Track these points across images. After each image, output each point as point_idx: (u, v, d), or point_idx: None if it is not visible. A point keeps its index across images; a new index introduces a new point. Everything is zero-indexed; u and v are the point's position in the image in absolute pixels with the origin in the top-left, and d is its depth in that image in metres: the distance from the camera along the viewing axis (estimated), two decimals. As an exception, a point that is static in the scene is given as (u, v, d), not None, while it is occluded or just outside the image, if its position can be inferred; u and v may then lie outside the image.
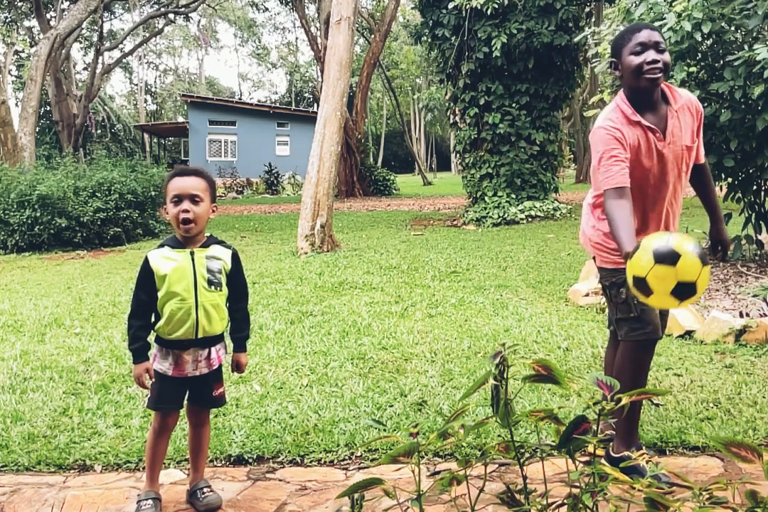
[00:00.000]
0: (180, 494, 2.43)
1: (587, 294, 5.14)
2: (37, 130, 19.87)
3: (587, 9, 12.77)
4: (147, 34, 33.78)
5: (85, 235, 10.18)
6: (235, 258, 2.37)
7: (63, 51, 24.18)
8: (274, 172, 26.12)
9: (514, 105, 11.48)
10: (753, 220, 5.77)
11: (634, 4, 5.43)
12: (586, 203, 2.71)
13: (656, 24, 4.80)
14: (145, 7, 31.91)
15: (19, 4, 26.76)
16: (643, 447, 2.56)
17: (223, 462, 2.71)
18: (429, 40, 12.24)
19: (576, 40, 7.93)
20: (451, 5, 10.74)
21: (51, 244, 10.09)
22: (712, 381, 3.36)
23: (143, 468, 2.54)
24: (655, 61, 2.33)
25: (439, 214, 13.96)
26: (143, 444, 2.67)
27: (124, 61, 40.65)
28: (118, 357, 4.01)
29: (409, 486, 2.31)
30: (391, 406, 3.15)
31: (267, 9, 42.94)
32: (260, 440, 2.82)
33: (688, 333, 4.15)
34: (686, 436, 2.73)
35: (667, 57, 2.37)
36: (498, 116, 11.40)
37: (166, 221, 10.96)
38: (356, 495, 1.47)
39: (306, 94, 52.69)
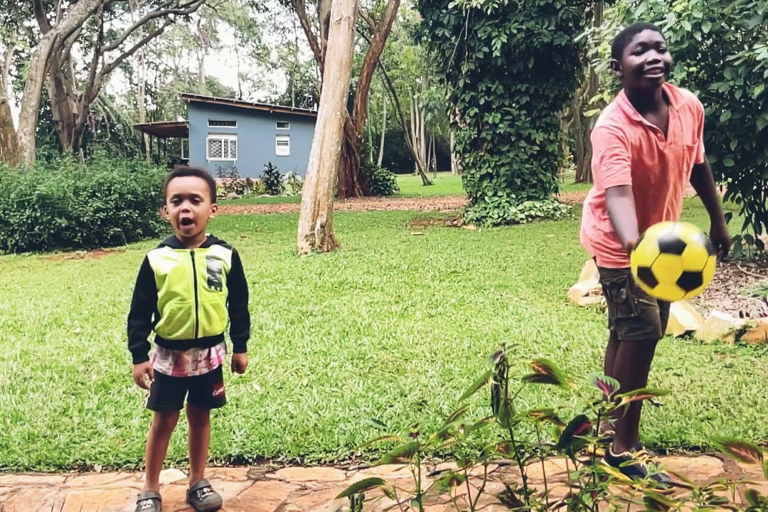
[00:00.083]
0: (180, 494, 2.43)
1: (587, 294, 5.14)
2: (37, 130, 19.87)
3: (587, 9, 12.77)
4: (147, 34, 33.78)
5: (85, 234, 10.18)
6: (235, 258, 2.37)
7: (63, 51, 24.18)
8: (274, 172, 26.12)
9: (514, 105, 11.48)
10: (753, 220, 5.77)
11: (634, 4, 5.43)
12: (587, 203, 2.71)
13: (656, 24, 4.80)
14: (145, 7, 31.91)
15: (19, 4, 26.76)
16: (643, 447, 2.56)
17: (223, 462, 2.71)
18: (429, 40, 12.24)
19: (576, 40, 7.93)
20: (451, 5, 10.74)
21: (51, 244, 10.09)
22: (712, 381, 3.36)
23: (143, 468, 2.54)
24: (656, 61, 2.32)
25: (439, 214, 13.96)
26: (143, 444, 2.67)
27: (124, 60, 40.66)
28: (118, 357, 4.01)
29: (409, 486, 2.31)
30: (391, 406, 3.15)
31: (267, 9, 42.97)
32: (260, 440, 2.82)
33: (688, 333, 4.15)
34: (686, 436, 2.73)
35: (668, 57, 2.37)
36: (498, 116, 11.40)
37: (166, 221, 10.96)
38: (356, 495, 1.47)
39: (306, 94, 52.69)
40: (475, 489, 1.60)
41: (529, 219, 11.33)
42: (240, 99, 49.59)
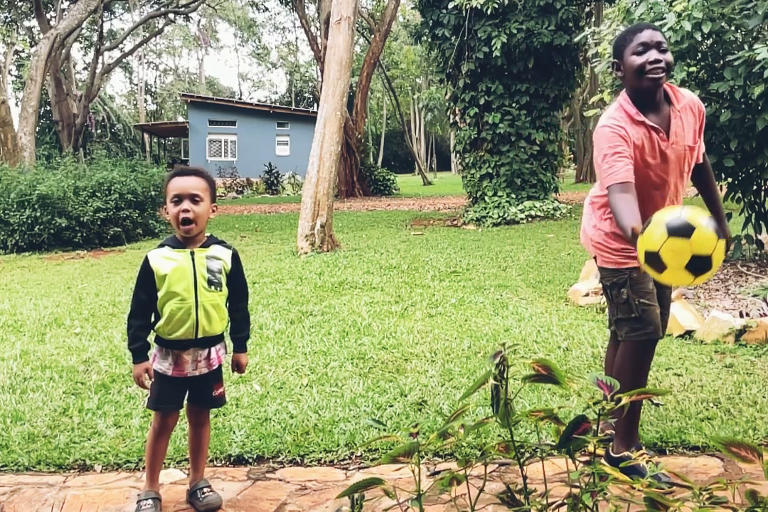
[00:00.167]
0: (180, 494, 2.43)
1: (587, 294, 5.14)
2: (37, 130, 19.87)
3: (587, 9, 12.77)
4: (147, 34, 33.78)
5: (85, 234, 10.18)
6: (235, 258, 2.37)
7: (63, 51, 24.18)
8: (274, 171, 26.12)
9: (514, 105, 11.48)
10: (753, 220, 5.77)
11: (634, 4, 5.43)
12: (588, 203, 2.71)
13: (656, 24, 4.80)
14: (145, 7, 31.91)
15: (19, 4, 26.76)
16: (643, 447, 2.56)
17: (223, 462, 2.71)
18: (429, 40, 12.24)
19: (576, 40, 7.93)
20: (451, 5, 10.74)
21: (51, 244, 10.09)
22: (712, 381, 3.36)
23: (143, 468, 2.54)
24: (658, 61, 2.32)
25: (439, 214, 13.96)
26: (143, 444, 2.67)
27: (124, 60, 40.65)
28: (118, 357, 4.01)
29: (409, 486, 2.31)
30: (391, 406, 3.15)
31: (267, 9, 42.96)
32: (260, 440, 2.82)
33: (688, 333, 4.15)
34: (686, 436, 2.73)
35: (669, 57, 2.36)
36: (498, 116, 11.40)
37: (166, 221, 10.96)
38: (356, 495, 1.47)
39: (306, 94, 52.69)
40: (475, 489, 1.60)
41: (529, 219, 11.33)
42: (240, 99, 49.58)
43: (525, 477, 1.51)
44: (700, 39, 4.88)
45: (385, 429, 2.86)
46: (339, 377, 3.61)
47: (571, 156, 29.17)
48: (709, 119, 4.87)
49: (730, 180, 5.55)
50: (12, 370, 3.84)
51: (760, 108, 4.80)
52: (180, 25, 45.74)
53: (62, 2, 24.63)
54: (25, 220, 9.86)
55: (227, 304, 2.36)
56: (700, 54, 5.22)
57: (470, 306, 5.19)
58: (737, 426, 2.82)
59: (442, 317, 4.88)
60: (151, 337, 2.30)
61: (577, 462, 1.47)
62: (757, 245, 5.89)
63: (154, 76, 56.44)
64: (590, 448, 1.43)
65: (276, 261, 7.80)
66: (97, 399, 3.33)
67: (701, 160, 2.60)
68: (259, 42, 56.01)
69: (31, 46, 28.10)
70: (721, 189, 5.71)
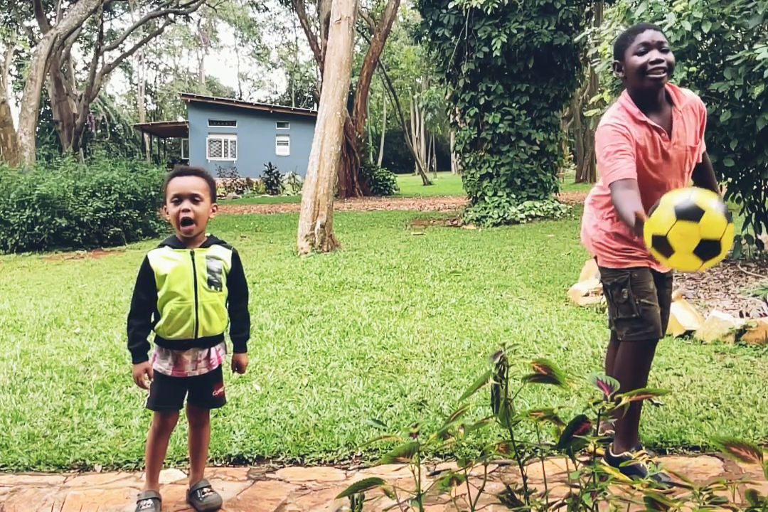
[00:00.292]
0: (180, 494, 2.43)
1: (587, 294, 5.14)
2: (37, 130, 19.87)
3: (587, 9, 12.78)
4: (147, 34, 33.78)
5: (85, 234, 10.18)
6: (235, 258, 2.37)
7: (63, 51, 24.17)
8: (274, 171, 26.13)
9: (514, 105, 11.48)
10: (753, 220, 5.77)
11: (634, 4, 5.43)
12: (588, 202, 2.71)
13: (656, 24, 4.80)
14: (145, 7, 31.91)
15: (19, 4, 26.76)
16: (643, 447, 2.56)
17: (223, 462, 2.71)
18: (429, 39, 12.24)
19: (576, 40, 7.93)
20: (451, 5, 10.74)
21: (51, 244, 10.09)
22: (712, 381, 3.36)
23: (143, 468, 2.54)
24: (659, 61, 2.32)
25: (439, 214, 13.96)
26: (143, 444, 2.67)
27: (124, 60, 40.65)
28: (118, 357, 4.01)
29: (409, 486, 2.31)
30: (391, 406, 3.15)
31: (267, 9, 42.98)
32: (260, 440, 2.82)
33: (688, 333, 4.15)
34: (686, 436, 2.73)
35: (670, 57, 2.36)
36: (498, 116, 11.40)
37: (166, 221, 10.96)
38: (356, 495, 1.47)
39: (306, 94, 52.69)
40: (475, 489, 1.60)
41: (529, 219, 11.33)
42: (240, 99, 49.58)
43: (525, 477, 1.51)
44: (700, 39, 4.89)
45: (385, 429, 2.86)
46: (339, 377, 3.60)
47: (571, 156, 29.18)
48: (709, 119, 4.86)
49: (730, 180, 5.55)
50: (12, 370, 3.84)
51: (760, 108, 4.80)
52: (180, 25, 45.75)
53: (62, 2, 24.63)
54: (25, 220, 9.86)
55: (227, 304, 2.36)
56: (700, 54, 5.22)
57: (470, 306, 5.19)
58: (737, 426, 2.82)
59: (442, 317, 4.88)
60: (150, 337, 2.30)
61: (577, 462, 1.47)
62: (757, 245, 5.89)
63: (154, 76, 56.51)
64: (590, 448, 1.43)
65: (276, 261, 7.80)
66: (97, 399, 3.33)
67: (701, 160, 2.60)
68: (259, 42, 56.05)
69: (31, 46, 28.10)
70: (721, 189, 5.71)
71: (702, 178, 2.66)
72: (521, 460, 1.49)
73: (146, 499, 2.29)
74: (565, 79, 11.73)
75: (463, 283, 6.08)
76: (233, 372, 2.47)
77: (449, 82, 12.11)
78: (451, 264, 7.09)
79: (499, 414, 1.44)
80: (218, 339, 2.35)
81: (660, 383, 3.38)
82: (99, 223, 10.24)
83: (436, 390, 3.35)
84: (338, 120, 8.71)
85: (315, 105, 35.97)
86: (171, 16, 29.80)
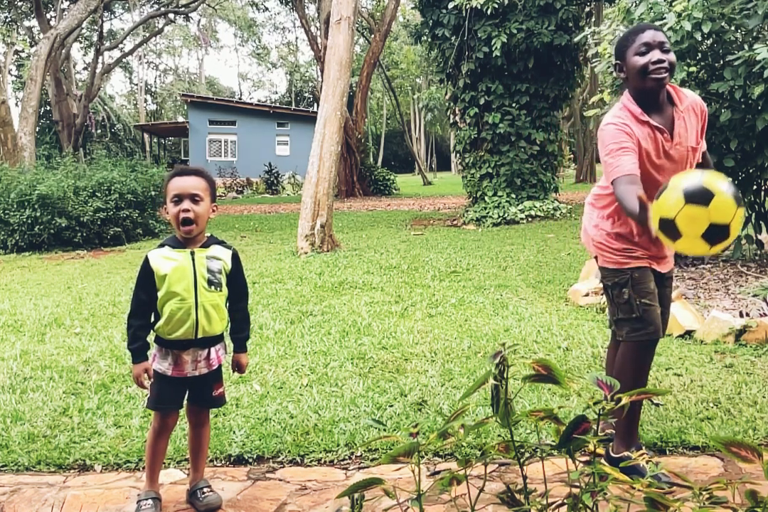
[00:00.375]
0: (180, 494, 2.43)
1: (587, 294, 5.14)
2: (37, 130, 19.87)
3: (587, 9, 12.78)
4: (147, 34, 33.78)
5: (85, 234, 10.19)
6: (235, 258, 2.37)
7: (63, 51, 24.17)
8: (274, 171, 26.13)
9: (514, 105, 11.48)
10: (753, 220, 5.77)
11: (634, 4, 5.43)
12: (589, 202, 2.70)
13: (656, 24, 4.80)
14: (145, 7, 31.91)
15: (19, 4, 26.76)
16: (643, 447, 2.56)
17: (223, 462, 2.71)
18: (429, 39, 12.24)
19: (576, 40, 7.93)
20: (451, 5, 10.74)
21: (51, 244, 10.09)
22: (712, 381, 3.36)
23: (143, 468, 2.54)
24: (661, 61, 2.32)
25: (439, 214, 13.96)
26: (143, 444, 2.67)
27: (124, 60, 40.65)
28: (118, 357, 4.01)
29: (409, 486, 2.31)
30: (391, 406, 3.15)
31: (267, 9, 42.99)
32: (260, 440, 2.82)
33: (688, 333, 4.15)
34: (686, 436, 2.73)
35: (672, 57, 2.36)
36: (498, 116, 11.40)
37: (166, 221, 10.96)
38: (356, 495, 1.47)
39: (306, 94, 52.68)
40: (475, 489, 1.60)
41: (529, 219, 11.33)
42: (240, 99, 49.57)
43: (525, 477, 1.51)
44: (700, 39, 4.89)
45: (385, 429, 2.86)
46: (339, 377, 3.60)
47: (571, 156, 29.17)
48: (710, 119, 4.84)
49: (730, 180, 5.55)
50: (12, 370, 3.84)
51: (760, 108, 4.80)
52: (180, 25, 45.75)
53: (62, 2, 24.63)
54: (25, 220, 9.86)
55: (227, 304, 2.36)
56: (700, 54, 5.22)
57: (470, 306, 5.19)
58: (737, 426, 2.82)
59: (442, 317, 4.88)
60: (150, 337, 2.30)
61: (577, 462, 1.47)
62: (757, 245, 5.89)
63: (154, 76, 56.51)
64: (590, 448, 1.43)
65: (276, 261, 7.80)
66: (97, 399, 3.33)
67: (702, 160, 2.60)
68: (259, 42, 56.05)
69: (31, 46, 28.10)
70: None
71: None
72: (521, 460, 1.49)
73: (146, 499, 2.29)
74: (565, 79, 11.74)
75: (463, 283, 6.08)
76: (233, 372, 2.47)
77: (449, 82, 12.11)
78: (451, 264, 7.09)
79: (499, 414, 1.44)
80: (218, 339, 2.35)
81: (660, 383, 3.38)
82: (99, 223, 10.24)
83: (436, 390, 3.35)
84: (338, 120, 8.71)
85: (315, 105, 35.96)
86: (171, 16, 29.81)
